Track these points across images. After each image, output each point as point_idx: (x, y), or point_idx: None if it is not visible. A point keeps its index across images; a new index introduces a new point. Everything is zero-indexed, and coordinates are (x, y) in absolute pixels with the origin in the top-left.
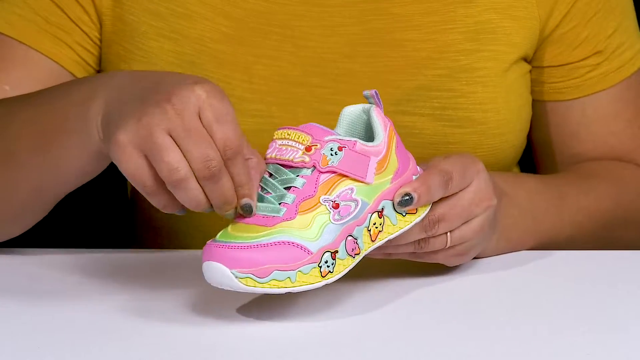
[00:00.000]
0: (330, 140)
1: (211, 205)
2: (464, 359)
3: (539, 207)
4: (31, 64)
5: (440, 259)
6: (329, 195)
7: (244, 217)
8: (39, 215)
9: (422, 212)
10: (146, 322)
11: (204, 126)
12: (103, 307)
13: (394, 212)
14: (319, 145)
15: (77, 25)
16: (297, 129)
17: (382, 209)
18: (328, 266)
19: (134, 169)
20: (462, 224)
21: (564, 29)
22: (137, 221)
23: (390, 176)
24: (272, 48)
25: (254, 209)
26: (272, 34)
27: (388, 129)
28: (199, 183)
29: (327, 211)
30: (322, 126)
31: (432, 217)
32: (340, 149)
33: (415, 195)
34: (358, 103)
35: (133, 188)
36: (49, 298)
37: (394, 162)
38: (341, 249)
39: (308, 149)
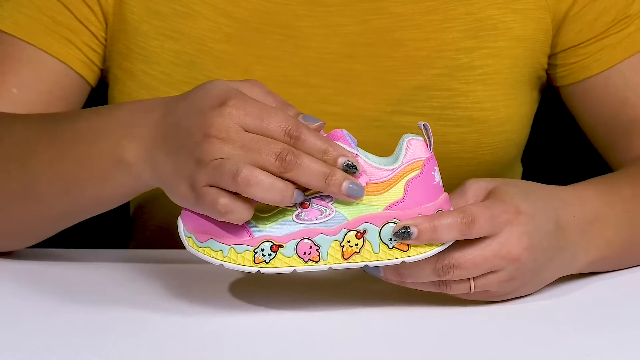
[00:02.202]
0: None
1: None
2: (466, 357)
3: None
4: (39, 65)
5: (474, 297)
6: (304, 193)
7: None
8: (48, 236)
9: (416, 254)
10: (146, 321)
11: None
12: (103, 307)
13: (378, 240)
14: None
15: (84, 25)
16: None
17: (364, 231)
18: (264, 255)
19: (228, 209)
20: (488, 273)
21: (577, 9)
22: (136, 229)
23: (386, 204)
24: (273, 48)
25: (357, 164)
26: (273, 34)
27: (410, 163)
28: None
29: (295, 208)
30: (347, 135)
31: (446, 262)
32: None
33: (414, 230)
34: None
35: (135, 208)
36: (49, 298)
37: (396, 193)
38: (289, 246)
39: None
